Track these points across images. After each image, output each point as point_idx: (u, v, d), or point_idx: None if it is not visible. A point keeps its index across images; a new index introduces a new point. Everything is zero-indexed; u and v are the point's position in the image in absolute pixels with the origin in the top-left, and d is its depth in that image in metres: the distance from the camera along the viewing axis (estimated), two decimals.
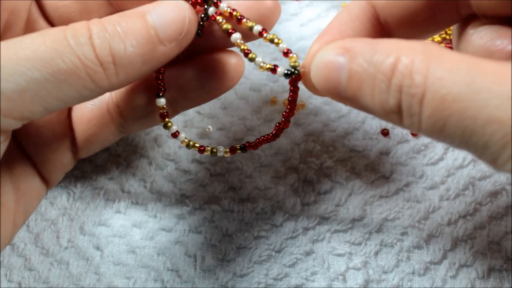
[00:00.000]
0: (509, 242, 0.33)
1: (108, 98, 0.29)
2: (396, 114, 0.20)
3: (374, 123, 0.37)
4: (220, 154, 0.28)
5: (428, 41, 0.38)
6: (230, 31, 0.25)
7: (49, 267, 0.31)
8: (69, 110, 0.30)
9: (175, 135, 0.28)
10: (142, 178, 0.35)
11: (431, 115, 0.19)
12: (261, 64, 0.25)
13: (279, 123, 0.27)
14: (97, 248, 0.32)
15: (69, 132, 0.30)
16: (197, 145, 0.28)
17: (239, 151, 0.28)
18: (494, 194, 0.34)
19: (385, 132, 0.37)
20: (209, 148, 0.28)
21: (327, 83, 0.22)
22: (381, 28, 0.25)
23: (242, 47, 0.25)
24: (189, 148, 0.29)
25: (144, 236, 0.33)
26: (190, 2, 0.25)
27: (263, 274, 0.31)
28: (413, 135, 0.36)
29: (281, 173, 0.35)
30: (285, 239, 0.33)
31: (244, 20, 0.25)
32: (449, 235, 0.33)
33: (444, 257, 0.32)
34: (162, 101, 0.27)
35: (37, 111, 0.21)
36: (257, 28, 0.25)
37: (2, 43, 0.22)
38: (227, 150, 0.28)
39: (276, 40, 0.25)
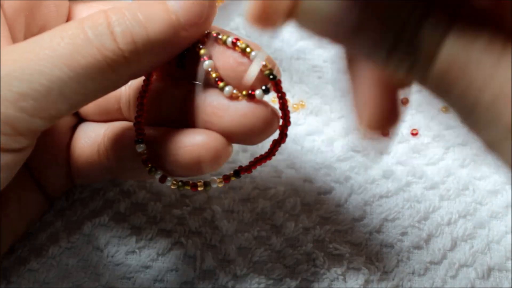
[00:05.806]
0: (509, 242, 0.33)
1: (100, 139, 0.29)
2: None
3: None
4: (214, 186, 0.27)
5: None
6: (204, 58, 0.24)
7: (49, 268, 0.31)
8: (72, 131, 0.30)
9: (162, 180, 0.26)
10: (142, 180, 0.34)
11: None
12: (234, 92, 0.24)
13: (275, 139, 0.26)
14: (97, 248, 0.32)
15: (66, 154, 0.30)
16: (188, 184, 0.26)
17: (233, 178, 0.27)
18: (494, 194, 0.34)
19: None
20: (201, 183, 0.27)
21: None
22: None
23: (214, 75, 0.24)
24: (181, 190, 0.27)
25: (144, 237, 0.33)
26: None
27: (263, 275, 0.31)
28: (413, 134, 0.36)
29: (281, 172, 0.35)
30: (285, 239, 0.33)
31: (220, 36, 0.24)
32: (449, 235, 0.33)
33: (444, 257, 0.32)
34: (142, 147, 0.26)
35: (63, 109, 0.21)
36: (230, 39, 0.24)
37: (24, 43, 0.21)
38: (221, 179, 0.27)
39: (248, 50, 0.24)
